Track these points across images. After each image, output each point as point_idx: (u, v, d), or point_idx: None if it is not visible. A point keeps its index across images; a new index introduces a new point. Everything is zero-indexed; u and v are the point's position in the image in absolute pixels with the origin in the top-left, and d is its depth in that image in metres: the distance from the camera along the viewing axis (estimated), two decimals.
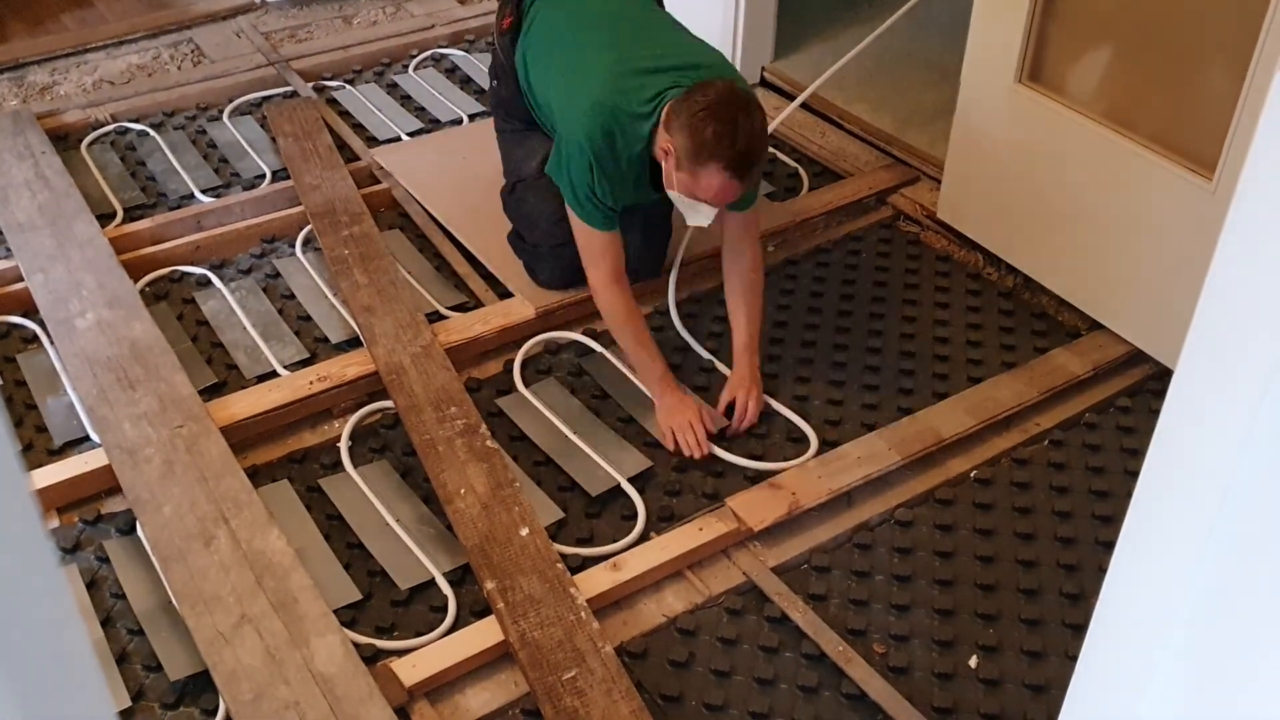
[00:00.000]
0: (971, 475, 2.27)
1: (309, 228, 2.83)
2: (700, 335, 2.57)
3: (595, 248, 2.34)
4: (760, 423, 2.36)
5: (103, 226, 2.77)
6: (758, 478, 2.23)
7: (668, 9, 2.61)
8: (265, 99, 3.39)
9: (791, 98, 3.21)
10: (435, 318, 2.60)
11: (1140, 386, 2.47)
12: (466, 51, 3.67)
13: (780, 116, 2.99)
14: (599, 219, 2.31)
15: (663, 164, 2.22)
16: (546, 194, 2.47)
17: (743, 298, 2.40)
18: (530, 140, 2.60)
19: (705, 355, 2.52)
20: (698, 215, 2.23)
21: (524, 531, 2.06)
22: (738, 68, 3.43)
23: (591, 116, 2.24)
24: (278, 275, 2.75)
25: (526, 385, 2.44)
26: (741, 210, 2.36)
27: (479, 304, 2.66)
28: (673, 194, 2.24)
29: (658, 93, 2.23)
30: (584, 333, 2.58)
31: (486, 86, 3.01)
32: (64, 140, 3.19)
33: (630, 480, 2.22)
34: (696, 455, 2.26)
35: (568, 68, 2.39)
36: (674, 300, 2.62)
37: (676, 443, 2.28)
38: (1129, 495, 0.96)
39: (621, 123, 2.25)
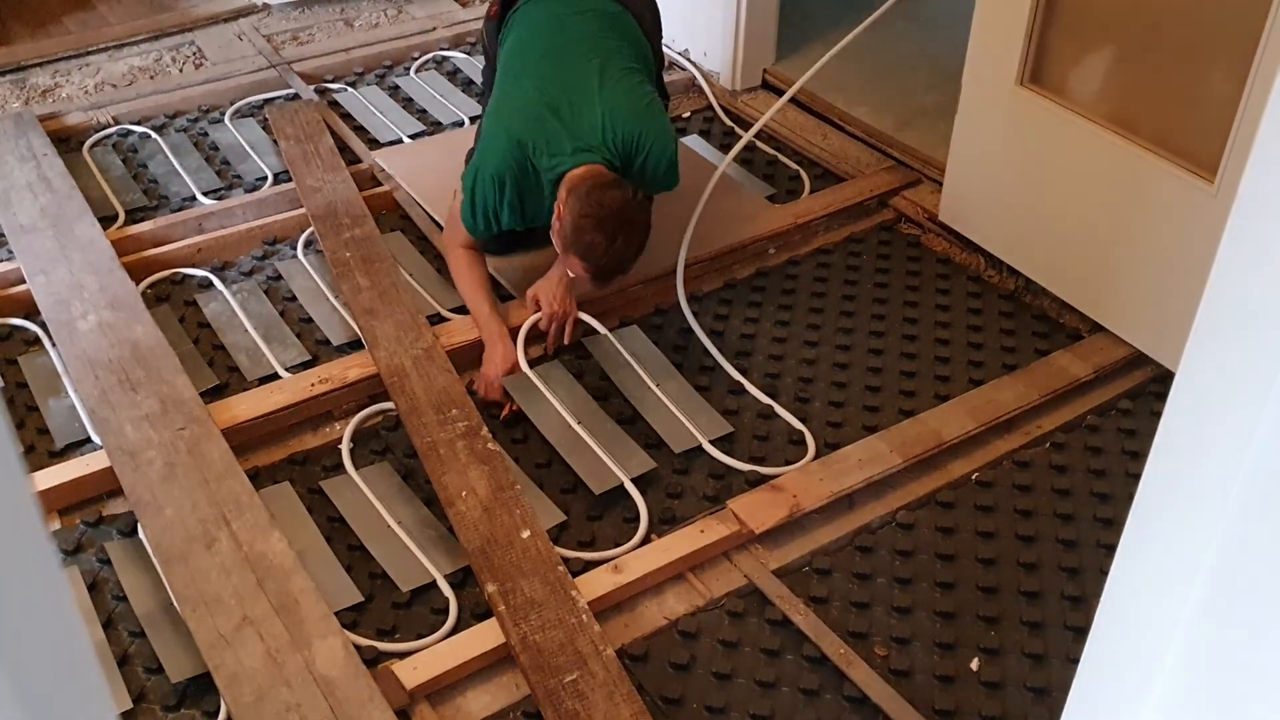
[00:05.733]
0: (973, 478, 2.27)
1: (310, 230, 2.83)
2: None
3: (461, 236, 2.56)
4: (761, 425, 2.36)
5: (105, 229, 2.78)
6: (758, 480, 2.23)
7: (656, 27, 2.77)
8: (267, 101, 3.39)
9: (795, 100, 3.21)
10: (437, 320, 2.60)
11: (1142, 389, 2.47)
12: (468, 54, 3.67)
13: (770, 111, 2.97)
14: (479, 230, 2.49)
15: (555, 215, 2.37)
16: None
17: None
18: None
19: (712, 349, 2.53)
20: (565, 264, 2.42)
21: (525, 534, 2.06)
22: (739, 69, 3.45)
23: (506, 152, 2.40)
24: (279, 278, 2.75)
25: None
26: None
27: None
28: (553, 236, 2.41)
29: (559, 163, 2.37)
30: (585, 336, 2.58)
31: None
32: (66, 142, 3.19)
33: (633, 481, 2.22)
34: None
35: (502, 81, 2.54)
36: (683, 295, 2.63)
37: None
38: (1131, 498, 0.96)
39: (536, 159, 2.39)
